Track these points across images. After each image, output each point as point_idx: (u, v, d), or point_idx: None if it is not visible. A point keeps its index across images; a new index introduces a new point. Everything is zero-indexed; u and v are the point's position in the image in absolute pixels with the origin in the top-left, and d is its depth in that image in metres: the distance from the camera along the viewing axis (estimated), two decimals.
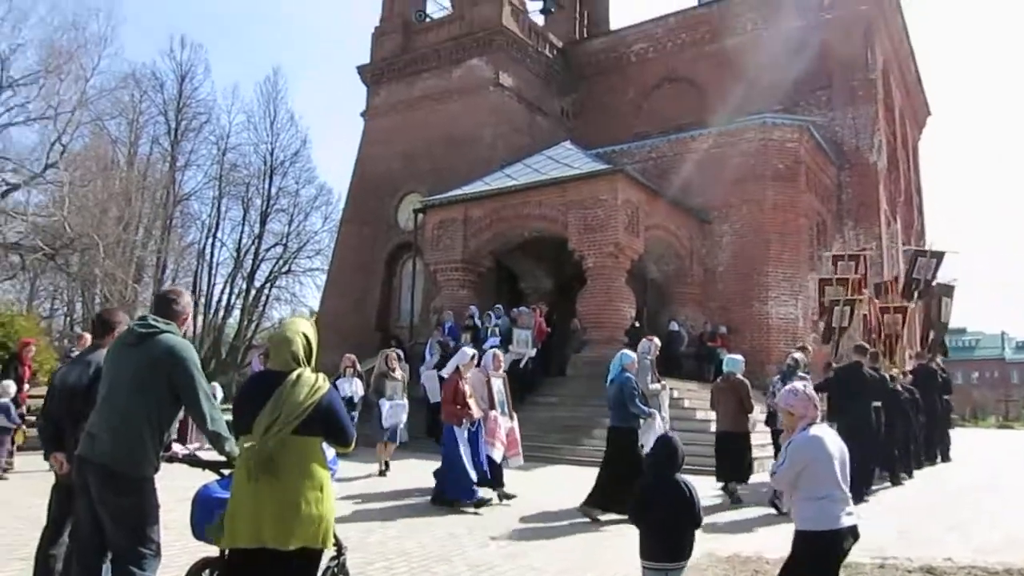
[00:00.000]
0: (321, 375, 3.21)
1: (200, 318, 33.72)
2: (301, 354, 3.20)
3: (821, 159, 19.50)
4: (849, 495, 3.52)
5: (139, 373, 3.37)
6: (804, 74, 21.56)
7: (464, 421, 8.00)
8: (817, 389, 8.32)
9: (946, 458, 13.48)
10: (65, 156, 24.65)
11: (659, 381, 9.13)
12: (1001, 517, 7.93)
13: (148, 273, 30.97)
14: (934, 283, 14.72)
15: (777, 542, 5.78)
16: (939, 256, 14.90)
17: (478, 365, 8.74)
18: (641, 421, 7.70)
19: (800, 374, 9.21)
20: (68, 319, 31.79)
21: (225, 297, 34.82)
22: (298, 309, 36.26)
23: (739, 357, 9.37)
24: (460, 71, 21.98)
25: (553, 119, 23.50)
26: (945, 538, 6.68)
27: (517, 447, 8.76)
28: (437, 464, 8.28)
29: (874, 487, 9.55)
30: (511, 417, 8.81)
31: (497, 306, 15.54)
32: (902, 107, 26.14)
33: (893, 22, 23.16)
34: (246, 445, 2.98)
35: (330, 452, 3.38)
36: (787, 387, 3.83)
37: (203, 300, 33.98)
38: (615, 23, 26.63)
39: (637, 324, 17.24)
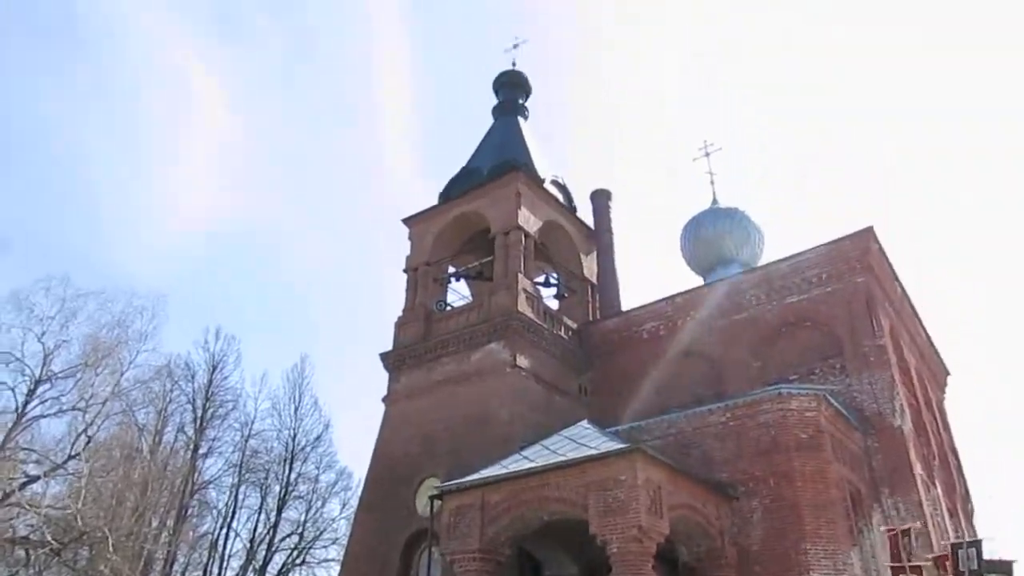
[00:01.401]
0: None
1: None
2: None
3: (843, 426, 19.19)
4: None
5: None
6: (814, 344, 22.13)
7: None
8: None
9: None
10: (89, 446, 24.77)
11: None
12: None
13: (157, 567, 29.64)
14: (983, 567, 13.61)
15: None
16: (977, 544, 13.95)
17: None
18: None
19: None
20: None
21: None
22: None
23: None
24: (478, 355, 22.65)
25: (571, 397, 23.75)
26: None
27: None
28: None
29: None
30: None
31: None
32: (918, 368, 26.24)
33: (891, 290, 24.08)
34: None
35: None
36: None
37: None
38: (626, 303, 27.92)
39: None
